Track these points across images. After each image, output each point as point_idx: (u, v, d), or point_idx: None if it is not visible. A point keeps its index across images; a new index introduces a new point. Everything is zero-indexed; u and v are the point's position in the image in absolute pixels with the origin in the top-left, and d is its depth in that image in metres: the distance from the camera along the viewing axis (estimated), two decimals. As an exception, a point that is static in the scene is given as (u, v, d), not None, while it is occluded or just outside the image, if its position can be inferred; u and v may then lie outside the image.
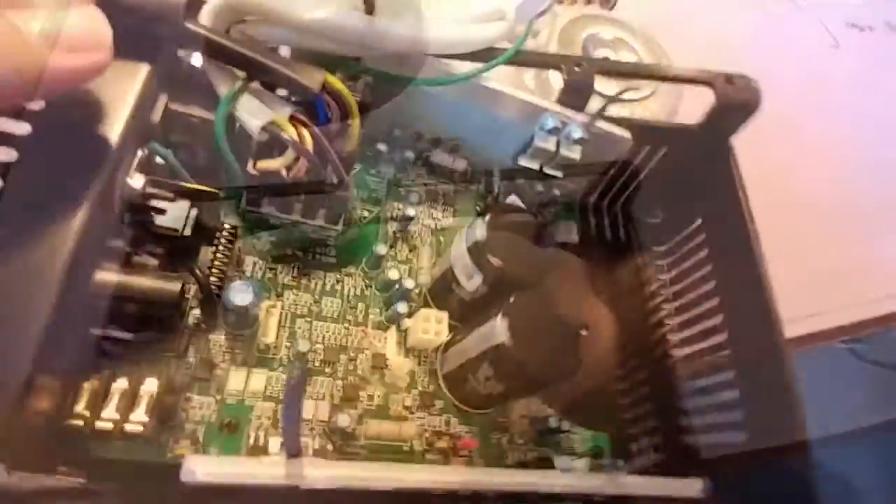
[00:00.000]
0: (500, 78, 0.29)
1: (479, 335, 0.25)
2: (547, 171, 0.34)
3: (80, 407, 0.20)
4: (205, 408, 0.23)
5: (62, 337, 0.18)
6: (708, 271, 0.32)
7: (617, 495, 0.23)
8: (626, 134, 0.33)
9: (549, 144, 0.32)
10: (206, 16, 0.23)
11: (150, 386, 0.21)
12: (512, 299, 0.24)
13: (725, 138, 0.32)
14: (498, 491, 0.21)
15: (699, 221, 0.33)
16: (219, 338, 0.25)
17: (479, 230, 0.26)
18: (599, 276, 0.35)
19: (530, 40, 0.30)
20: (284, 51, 0.25)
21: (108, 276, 0.21)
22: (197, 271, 0.23)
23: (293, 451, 0.18)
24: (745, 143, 0.32)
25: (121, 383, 0.21)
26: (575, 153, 0.32)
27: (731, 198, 0.31)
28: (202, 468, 0.17)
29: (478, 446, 0.27)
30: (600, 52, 0.43)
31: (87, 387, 0.20)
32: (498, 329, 0.24)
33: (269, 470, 0.18)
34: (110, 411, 0.21)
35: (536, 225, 0.28)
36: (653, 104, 0.41)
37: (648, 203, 0.37)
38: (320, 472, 0.18)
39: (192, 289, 0.25)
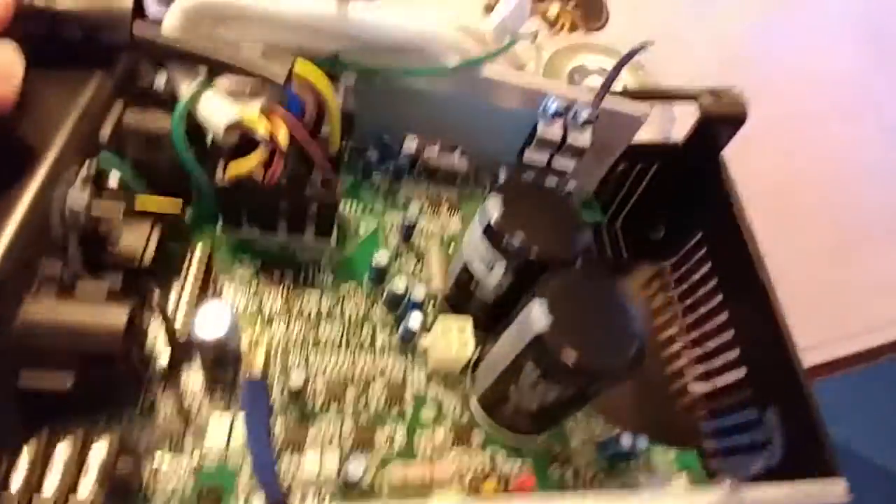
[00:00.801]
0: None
1: (514, 331, 0.20)
2: (556, 165, 0.30)
3: (13, 482, 0.15)
4: (177, 473, 0.18)
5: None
6: (714, 285, 0.31)
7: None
8: (640, 108, 0.29)
9: (555, 132, 0.28)
10: (175, 18, 0.21)
11: (100, 449, 0.17)
12: (547, 277, 0.19)
13: (715, 153, 0.31)
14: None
15: (699, 235, 0.32)
16: (195, 383, 0.20)
17: (493, 206, 0.21)
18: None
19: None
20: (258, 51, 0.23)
21: (40, 308, 0.17)
22: (157, 299, 0.19)
23: (273, 497, 0.12)
24: (747, 158, 0.31)
25: (64, 448, 0.16)
26: (585, 139, 0.28)
27: (727, 211, 0.30)
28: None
29: (534, 485, 0.21)
30: (587, 82, 0.43)
31: (20, 455, 0.16)
32: (536, 314, 0.18)
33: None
34: (50, 484, 0.16)
35: (559, 196, 0.23)
36: (643, 133, 0.40)
37: (649, 219, 0.35)
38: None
39: (160, 330, 0.20)
